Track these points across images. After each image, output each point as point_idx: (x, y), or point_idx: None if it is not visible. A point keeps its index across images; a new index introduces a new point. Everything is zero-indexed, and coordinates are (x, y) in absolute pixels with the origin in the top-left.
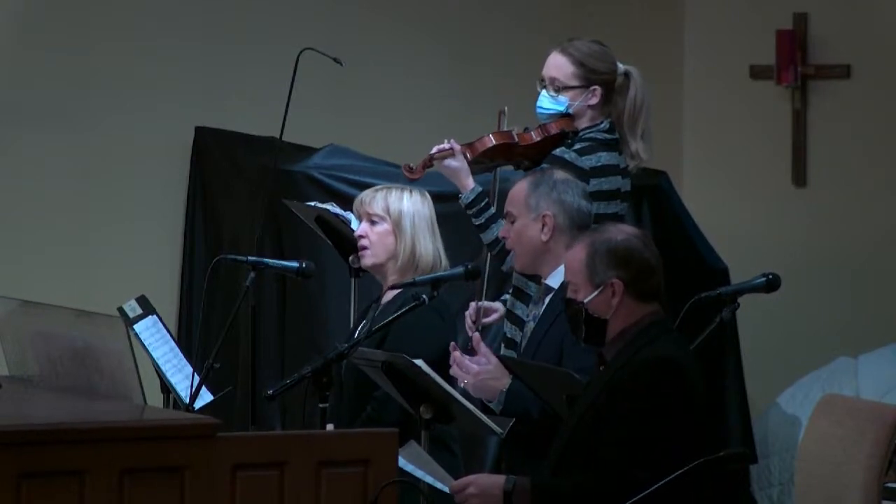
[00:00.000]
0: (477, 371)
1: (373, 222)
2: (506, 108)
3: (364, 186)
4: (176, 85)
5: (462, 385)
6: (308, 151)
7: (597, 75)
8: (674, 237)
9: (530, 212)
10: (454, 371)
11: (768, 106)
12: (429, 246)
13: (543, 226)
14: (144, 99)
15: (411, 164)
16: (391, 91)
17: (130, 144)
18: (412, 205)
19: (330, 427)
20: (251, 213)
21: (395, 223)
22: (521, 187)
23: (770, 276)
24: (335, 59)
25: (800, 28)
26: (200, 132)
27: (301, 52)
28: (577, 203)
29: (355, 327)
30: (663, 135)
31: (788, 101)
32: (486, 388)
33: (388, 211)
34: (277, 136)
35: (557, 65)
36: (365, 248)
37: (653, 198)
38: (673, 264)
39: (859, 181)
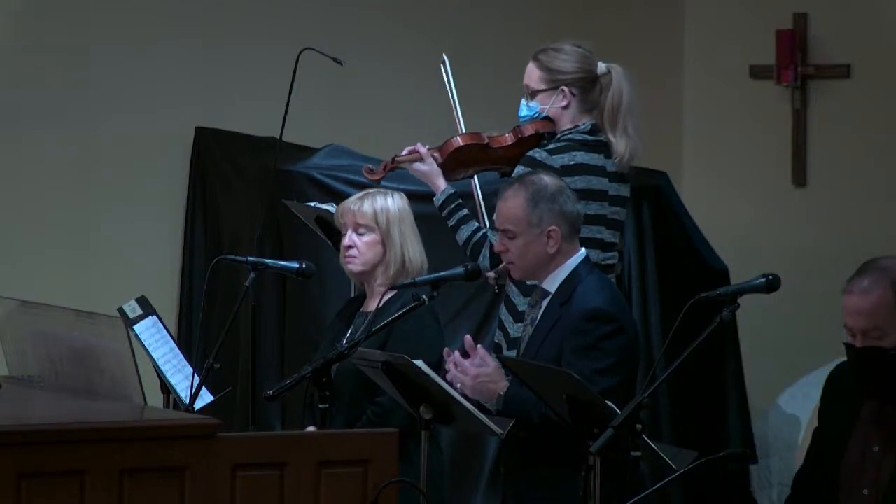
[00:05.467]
0: (475, 374)
1: (360, 232)
2: (445, 56)
3: (364, 186)
4: (176, 85)
5: (458, 387)
6: (308, 151)
7: (563, 75)
8: (674, 237)
9: (533, 228)
10: (452, 373)
11: (768, 106)
12: (416, 249)
13: (549, 239)
14: (144, 99)
15: (371, 166)
16: (391, 91)
17: (130, 144)
18: (398, 210)
19: (311, 429)
20: (251, 213)
21: (384, 233)
22: (516, 203)
23: (770, 277)
24: (335, 59)
25: (800, 28)
26: (200, 132)
27: (301, 51)
28: (574, 209)
29: (336, 329)
30: (663, 135)
31: (788, 101)
32: (484, 391)
33: (376, 220)
34: (277, 136)
35: (528, 72)
36: (353, 256)
37: (653, 198)
38: (673, 264)
39: (859, 181)
